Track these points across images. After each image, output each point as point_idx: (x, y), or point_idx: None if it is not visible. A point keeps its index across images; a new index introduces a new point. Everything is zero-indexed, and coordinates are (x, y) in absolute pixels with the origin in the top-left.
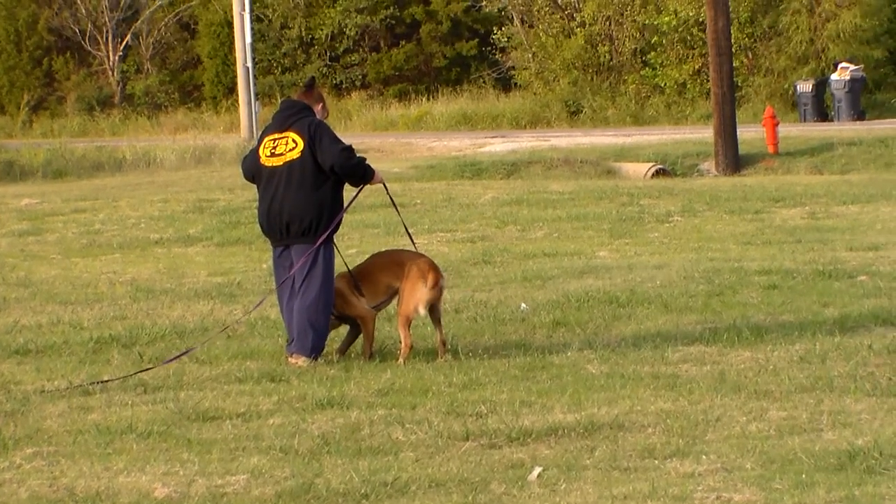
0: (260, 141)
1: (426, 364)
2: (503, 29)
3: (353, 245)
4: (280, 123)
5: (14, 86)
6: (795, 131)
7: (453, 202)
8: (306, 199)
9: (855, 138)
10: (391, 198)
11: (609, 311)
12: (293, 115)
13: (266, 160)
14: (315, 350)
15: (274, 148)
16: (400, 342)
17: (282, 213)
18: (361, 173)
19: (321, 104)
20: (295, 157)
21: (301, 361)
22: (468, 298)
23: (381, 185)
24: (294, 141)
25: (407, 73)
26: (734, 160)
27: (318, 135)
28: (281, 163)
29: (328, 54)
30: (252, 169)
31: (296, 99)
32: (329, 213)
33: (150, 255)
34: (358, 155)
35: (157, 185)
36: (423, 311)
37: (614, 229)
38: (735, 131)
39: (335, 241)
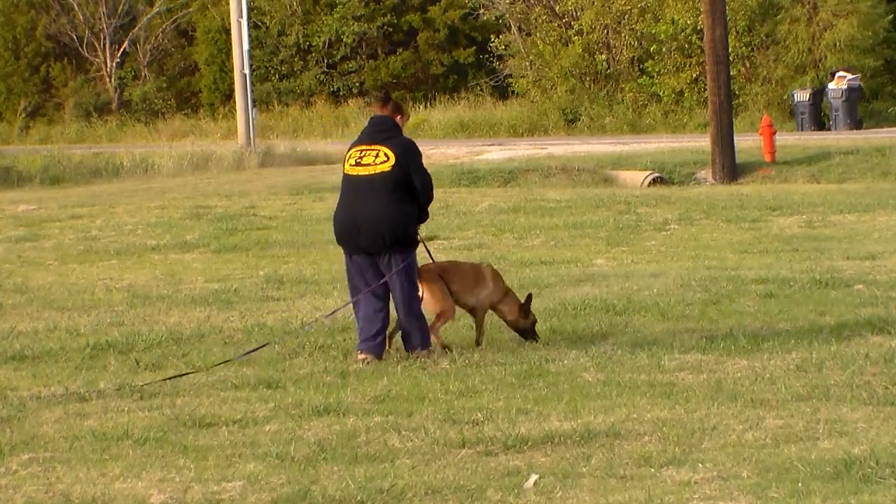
0: (346, 154)
1: (422, 371)
2: (501, 37)
3: None
4: (371, 137)
5: (11, 92)
6: (792, 140)
7: (450, 210)
8: (389, 210)
9: (852, 147)
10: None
11: (606, 319)
12: (385, 132)
13: (350, 169)
14: (426, 342)
15: (360, 158)
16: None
17: (366, 221)
18: (426, 210)
19: (399, 115)
20: (385, 171)
21: (423, 355)
22: None
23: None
24: (386, 155)
25: (404, 80)
26: (731, 169)
27: (412, 157)
28: (367, 173)
29: (325, 61)
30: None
31: (384, 116)
32: (405, 224)
33: (146, 261)
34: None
35: (155, 192)
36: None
37: (611, 237)
38: (732, 140)
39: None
